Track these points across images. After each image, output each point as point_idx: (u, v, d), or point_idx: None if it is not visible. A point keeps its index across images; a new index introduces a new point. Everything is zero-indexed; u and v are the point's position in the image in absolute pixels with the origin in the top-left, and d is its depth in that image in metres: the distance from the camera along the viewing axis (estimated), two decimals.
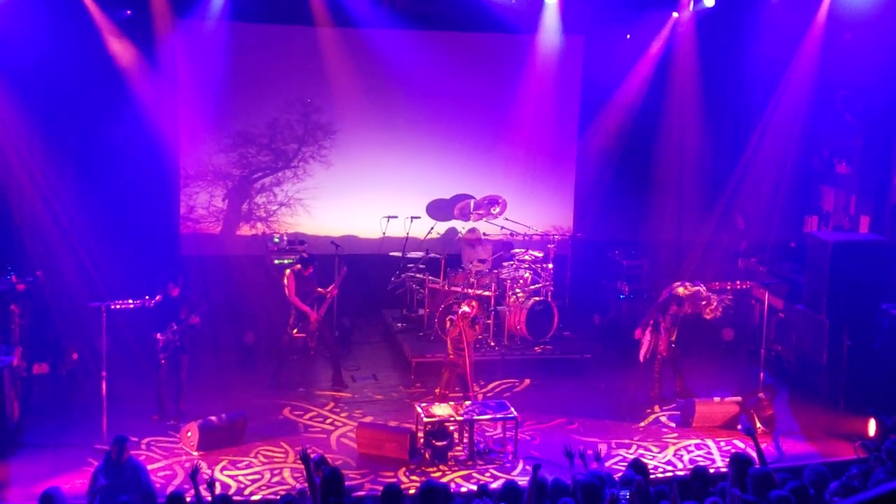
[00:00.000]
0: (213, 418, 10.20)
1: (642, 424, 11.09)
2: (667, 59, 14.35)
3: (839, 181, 13.62)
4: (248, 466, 9.72)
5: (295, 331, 11.77)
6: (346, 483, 7.74)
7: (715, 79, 14.09)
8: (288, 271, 11.86)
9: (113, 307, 9.90)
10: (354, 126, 14.42)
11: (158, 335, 10.50)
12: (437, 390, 11.08)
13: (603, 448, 9.68)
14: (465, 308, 10.79)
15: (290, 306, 11.76)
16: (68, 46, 12.29)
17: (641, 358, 11.76)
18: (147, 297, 10.27)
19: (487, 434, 10.51)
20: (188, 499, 7.54)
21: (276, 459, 9.95)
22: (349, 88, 14.14)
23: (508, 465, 9.94)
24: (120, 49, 12.94)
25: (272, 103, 14.27)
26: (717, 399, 11.06)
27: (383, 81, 14.31)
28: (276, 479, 9.51)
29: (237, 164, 14.39)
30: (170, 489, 8.57)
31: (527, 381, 12.31)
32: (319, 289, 11.89)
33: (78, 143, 12.95)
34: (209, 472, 9.10)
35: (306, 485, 7.34)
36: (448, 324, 11.05)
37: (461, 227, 14.03)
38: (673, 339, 11.67)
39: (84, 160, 12.96)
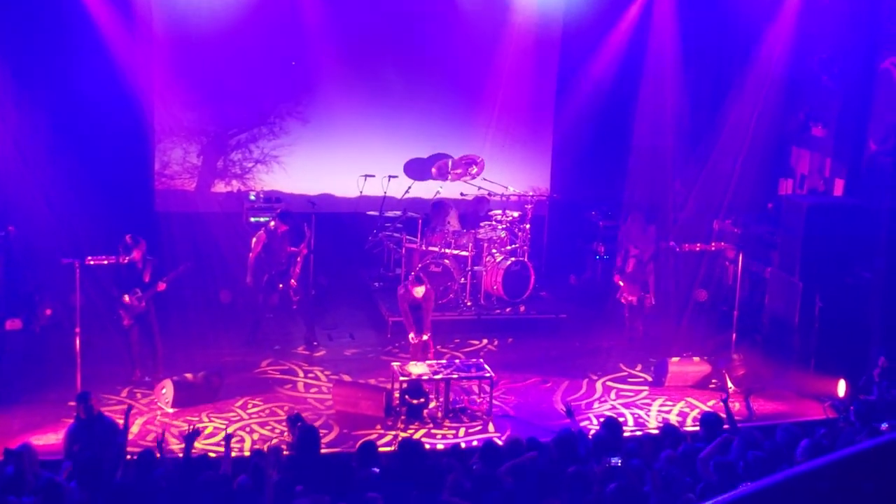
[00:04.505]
0: (189, 375, 10.18)
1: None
2: (646, 19, 14.27)
3: (815, 144, 13.66)
4: (218, 431, 9.69)
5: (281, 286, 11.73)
6: None
7: (694, 41, 14.03)
8: (262, 231, 11.82)
9: (86, 263, 9.82)
10: (332, 83, 14.23)
11: (125, 297, 10.42)
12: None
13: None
14: (419, 290, 10.83)
15: (263, 265, 11.72)
16: None
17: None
18: (121, 254, 10.20)
19: (465, 393, 10.57)
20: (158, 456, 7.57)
21: (244, 418, 9.96)
22: (327, 44, 13.95)
23: (483, 423, 10.01)
24: (94, 2, 12.70)
25: (248, 58, 14.04)
26: (696, 359, 11.19)
27: (362, 38, 14.14)
28: (255, 436, 9.53)
29: (212, 119, 14.22)
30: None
31: (509, 340, 12.44)
32: (290, 247, 11.83)
33: (50, 96, 12.72)
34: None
35: (278, 441, 7.38)
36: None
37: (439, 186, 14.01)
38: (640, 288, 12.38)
39: (56, 114, 12.73)
